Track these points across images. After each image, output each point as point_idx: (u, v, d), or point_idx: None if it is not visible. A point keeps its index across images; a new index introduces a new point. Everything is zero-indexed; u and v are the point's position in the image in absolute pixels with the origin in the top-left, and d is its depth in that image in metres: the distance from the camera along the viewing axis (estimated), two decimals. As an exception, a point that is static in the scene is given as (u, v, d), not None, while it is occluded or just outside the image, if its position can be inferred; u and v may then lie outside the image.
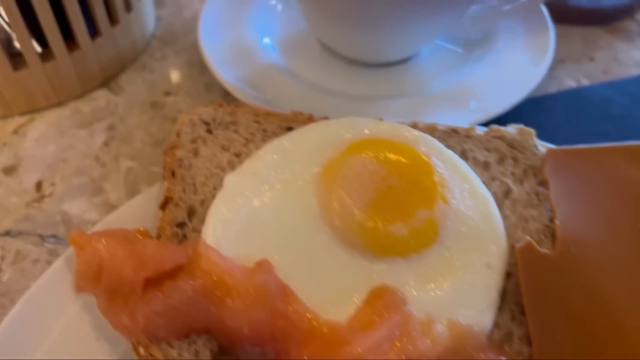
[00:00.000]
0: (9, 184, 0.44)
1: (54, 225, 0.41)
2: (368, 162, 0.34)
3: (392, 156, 0.35)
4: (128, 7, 0.51)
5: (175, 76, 0.52)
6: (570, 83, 0.52)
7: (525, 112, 0.47)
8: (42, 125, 0.48)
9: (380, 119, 0.38)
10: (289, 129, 0.39)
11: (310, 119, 0.40)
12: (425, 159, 0.35)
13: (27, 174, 0.44)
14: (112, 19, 0.50)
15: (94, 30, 0.49)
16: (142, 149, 0.46)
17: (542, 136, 0.39)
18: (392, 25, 0.45)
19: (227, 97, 0.50)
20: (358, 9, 0.44)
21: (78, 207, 0.42)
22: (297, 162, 0.36)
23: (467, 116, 0.44)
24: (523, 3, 0.49)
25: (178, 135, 0.38)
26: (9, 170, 0.45)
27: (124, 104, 0.50)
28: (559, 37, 0.51)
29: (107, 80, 0.52)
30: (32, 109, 0.49)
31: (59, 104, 0.50)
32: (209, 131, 0.39)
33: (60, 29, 0.46)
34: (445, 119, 0.44)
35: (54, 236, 0.41)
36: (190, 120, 0.39)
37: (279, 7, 0.56)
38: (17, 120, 0.48)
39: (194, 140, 0.38)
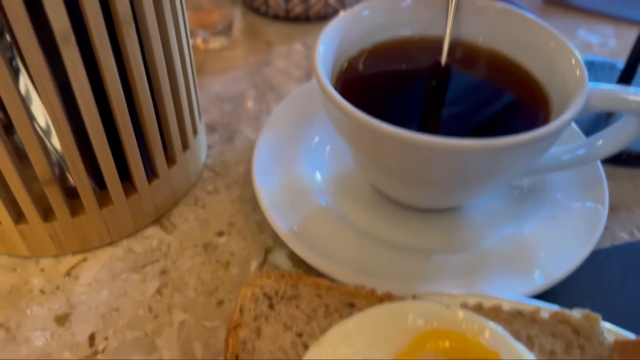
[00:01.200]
0: (61, 336, 0.43)
1: (107, 388, 0.41)
2: (438, 360, 0.34)
3: (463, 353, 0.34)
4: (185, 146, 0.52)
5: (227, 213, 0.52)
6: (623, 235, 0.51)
7: (580, 270, 0.46)
8: (94, 266, 0.48)
9: (447, 305, 0.37)
10: (351, 304, 0.39)
11: (372, 294, 0.39)
12: (495, 354, 0.35)
13: (79, 325, 0.44)
14: (169, 159, 0.50)
15: (150, 173, 0.49)
16: (195, 298, 0.46)
17: (599, 300, 0.38)
18: (450, 186, 0.45)
19: (277, 239, 0.50)
20: (414, 171, 0.44)
21: (131, 368, 0.42)
22: (363, 353, 0.35)
23: (526, 284, 0.44)
24: (580, 156, 0.49)
25: (241, 311, 0.38)
26: (62, 320, 0.44)
27: (177, 244, 0.50)
28: (607, 178, 0.51)
29: (159, 216, 0.52)
30: (85, 249, 0.49)
31: (112, 242, 0.50)
32: (271, 306, 0.38)
33: (116, 169, 0.47)
34: (502, 285, 0.44)
35: (107, 402, 0.40)
36: (252, 294, 0.38)
37: (327, 147, 0.56)
38: (70, 260, 0.49)
39: (256, 318, 0.38)
